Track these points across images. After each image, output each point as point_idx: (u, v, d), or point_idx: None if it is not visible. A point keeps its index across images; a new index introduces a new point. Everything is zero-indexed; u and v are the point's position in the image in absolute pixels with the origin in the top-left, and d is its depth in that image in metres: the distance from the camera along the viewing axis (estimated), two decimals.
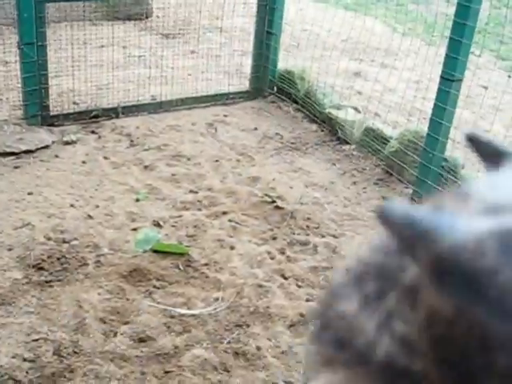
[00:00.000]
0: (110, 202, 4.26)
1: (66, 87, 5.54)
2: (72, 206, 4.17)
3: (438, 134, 4.35)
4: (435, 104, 4.37)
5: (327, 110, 5.48)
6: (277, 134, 5.45)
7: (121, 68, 6.25)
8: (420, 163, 4.53)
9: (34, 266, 3.56)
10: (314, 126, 5.58)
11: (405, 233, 0.42)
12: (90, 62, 5.88)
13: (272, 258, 3.83)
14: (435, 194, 0.49)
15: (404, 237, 0.43)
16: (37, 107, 5.06)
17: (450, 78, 4.21)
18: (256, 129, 5.49)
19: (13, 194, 4.21)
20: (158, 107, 5.60)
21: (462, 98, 5.51)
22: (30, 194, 4.23)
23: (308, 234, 4.10)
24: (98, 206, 4.19)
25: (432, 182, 4.43)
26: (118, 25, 7.00)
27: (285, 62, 6.19)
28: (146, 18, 8.10)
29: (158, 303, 3.38)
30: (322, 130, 5.51)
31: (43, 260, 3.61)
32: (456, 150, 4.93)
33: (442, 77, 4.29)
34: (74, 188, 4.37)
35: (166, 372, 2.99)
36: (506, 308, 0.38)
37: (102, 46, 6.55)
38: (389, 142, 4.92)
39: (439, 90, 4.32)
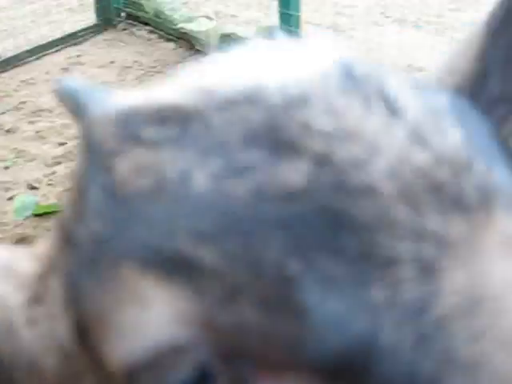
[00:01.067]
0: None
1: None
2: None
3: (289, 26, 4.29)
4: None
5: (179, 25, 5.32)
6: (135, 61, 5.27)
7: None
8: None
9: None
10: (171, 45, 5.43)
11: (70, 105, 0.47)
12: None
13: None
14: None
15: (70, 110, 0.47)
16: None
17: None
18: (113, 62, 5.30)
19: None
20: (6, 65, 5.31)
21: None
22: None
23: None
24: None
25: None
26: None
27: None
28: None
29: None
30: (181, 47, 5.36)
31: None
32: (320, 33, 4.90)
33: None
34: None
35: None
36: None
37: None
38: None
39: None
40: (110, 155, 0.43)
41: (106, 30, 5.82)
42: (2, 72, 5.26)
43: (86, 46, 5.63)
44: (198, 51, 5.20)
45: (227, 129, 0.40)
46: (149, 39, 5.61)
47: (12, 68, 5.31)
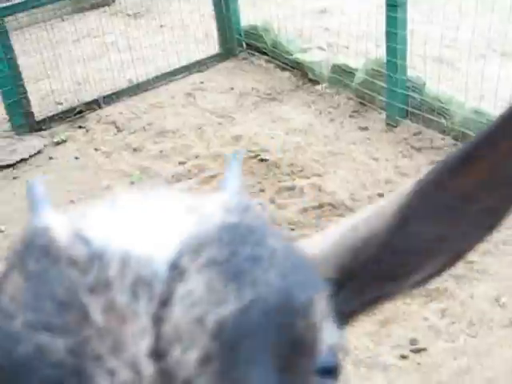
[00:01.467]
0: (108, 190, 4.48)
1: (46, 90, 5.80)
2: (73, 202, 4.42)
3: (396, 58, 4.54)
4: (387, 31, 4.55)
5: (295, 56, 5.68)
6: (253, 88, 5.67)
7: (96, 58, 6.48)
8: (387, 89, 4.74)
9: None
10: (286, 74, 5.79)
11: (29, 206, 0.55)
12: (65, 58, 6.12)
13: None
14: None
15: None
16: (21, 117, 5.33)
17: (394, 3, 4.39)
18: (232, 88, 5.71)
19: (16, 204, 4.46)
20: (136, 89, 5.84)
21: (426, 13, 5.69)
22: None
23: (294, 179, 4.35)
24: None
25: (401, 104, 4.65)
26: (85, 16, 7.23)
27: (253, 14, 6.33)
28: (113, 2, 8.27)
29: None
30: (295, 76, 5.71)
31: None
32: (426, 65, 5.14)
33: (387, 4, 4.46)
34: (72, 184, 4.64)
35: None
36: None
37: (74, 41, 6.78)
38: (355, 74, 5.12)
39: (387, 17, 4.50)
40: (11, 266, 0.49)
41: (227, 58, 6.26)
42: (133, 95, 5.78)
43: (208, 74, 6.08)
44: (310, 80, 5.55)
45: (51, 284, 0.46)
46: (266, 68, 6.00)
47: (142, 92, 5.83)
